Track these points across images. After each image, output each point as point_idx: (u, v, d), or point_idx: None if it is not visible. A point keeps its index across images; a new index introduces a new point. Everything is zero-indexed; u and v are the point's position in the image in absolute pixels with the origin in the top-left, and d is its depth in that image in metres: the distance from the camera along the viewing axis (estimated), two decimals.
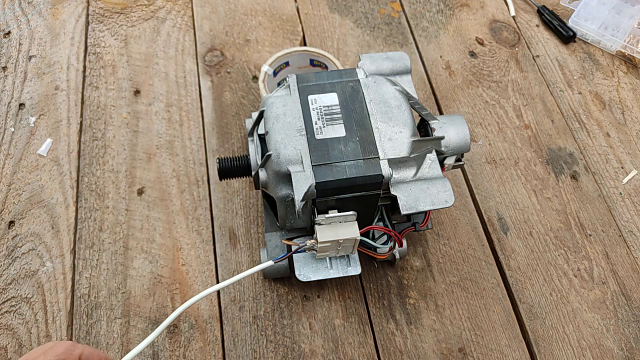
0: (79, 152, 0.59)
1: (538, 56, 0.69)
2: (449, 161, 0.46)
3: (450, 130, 0.45)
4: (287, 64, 0.59)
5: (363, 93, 0.44)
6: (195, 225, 0.55)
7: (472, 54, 0.68)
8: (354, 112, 0.43)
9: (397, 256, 0.49)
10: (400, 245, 0.46)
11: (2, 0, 0.70)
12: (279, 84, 0.58)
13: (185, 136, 0.60)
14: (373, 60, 0.47)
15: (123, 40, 0.67)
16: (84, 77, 0.64)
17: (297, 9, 0.72)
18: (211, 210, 0.56)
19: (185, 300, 0.49)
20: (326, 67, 0.59)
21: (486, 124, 0.63)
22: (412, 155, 0.41)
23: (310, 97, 0.43)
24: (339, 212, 0.42)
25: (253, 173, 0.45)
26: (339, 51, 0.68)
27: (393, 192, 0.41)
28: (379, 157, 0.41)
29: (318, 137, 0.41)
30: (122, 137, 0.60)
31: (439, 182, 0.42)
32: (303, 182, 0.39)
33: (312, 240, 0.42)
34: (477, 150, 0.61)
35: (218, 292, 0.51)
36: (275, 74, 0.59)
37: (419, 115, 0.46)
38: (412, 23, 0.71)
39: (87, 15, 0.69)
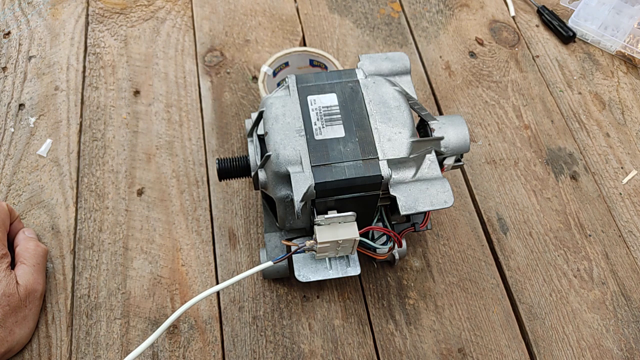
0: (78, 152, 0.59)
1: (538, 56, 0.69)
2: (449, 161, 0.46)
3: (449, 131, 0.45)
4: (286, 64, 0.59)
5: (362, 93, 0.44)
6: (195, 225, 0.55)
7: (472, 54, 0.68)
8: (353, 112, 0.43)
9: (397, 257, 0.49)
10: (400, 245, 0.46)
11: (2, 0, 0.70)
12: (278, 85, 0.58)
13: (185, 137, 0.60)
14: (372, 60, 0.47)
15: (123, 41, 0.68)
16: (84, 77, 0.64)
17: (296, 9, 0.72)
18: (211, 211, 0.56)
19: (185, 301, 0.49)
20: (326, 67, 0.59)
21: (486, 124, 0.63)
22: (411, 156, 0.41)
23: (309, 98, 0.43)
24: (338, 212, 0.42)
25: (252, 174, 0.45)
26: (339, 51, 0.68)
27: (392, 192, 0.41)
28: (378, 158, 0.41)
29: (317, 137, 0.41)
30: (121, 138, 0.60)
31: (439, 183, 0.42)
32: (302, 183, 0.39)
33: (312, 241, 0.42)
34: (476, 150, 0.61)
35: (218, 292, 0.51)
36: (274, 74, 0.59)
37: (419, 116, 0.46)
38: (412, 23, 0.71)
39: (87, 15, 0.69)
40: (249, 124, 0.53)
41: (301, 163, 0.40)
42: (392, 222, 0.47)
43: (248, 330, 0.50)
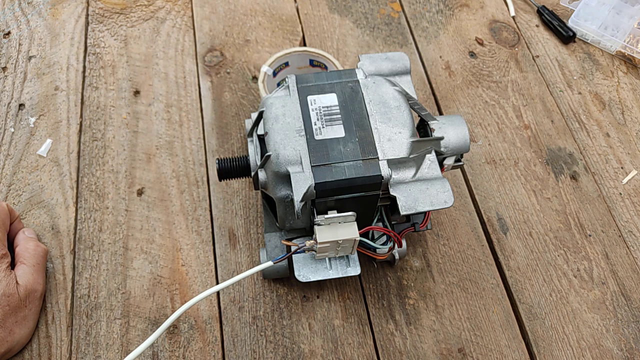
0: (78, 152, 0.59)
1: (538, 56, 0.69)
2: (449, 161, 0.46)
3: (449, 131, 0.45)
4: (286, 64, 0.59)
5: (362, 93, 0.44)
6: (195, 225, 0.55)
7: (472, 54, 0.68)
8: (353, 112, 0.43)
9: (397, 257, 0.49)
10: (400, 245, 0.46)
11: (2, 0, 0.70)
12: (278, 85, 0.58)
13: (185, 137, 0.60)
14: (372, 60, 0.47)
15: (123, 41, 0.68)
16: (84, 77, 0.64)
17: (296, 9, 0.72)
18: (211, 211, 0.56)
19: (185, 301, 0.49)
20: (326, 67, 0.59)
21: (486, 124, 0.63)
22: (411, 156, 0.41)
23: (309, 98, 0.43)
24: (338, 212, 0.42)
25: (252, 174, 0.45)
26: (339, 51, 0.68)
27: (392, 192, 0.41)
28: (378, 158, 0.41)
29: (317, 137, 0.41)
30: (121, 138, 0.60)
31: (439, 183, 0.42)
32: (302, 183, 0.39)
33: (312, 241, 0.42)
34: (476, 150, 0.61)
35: (218, 292, 0.51)
36: (274, 74, 0.59)
37: (419, 116, 0.46)
38: (412, 23, 0.71)
39: (87, 15, 0.69)
40: (249, 124, 0.53)
41: (301, 163, 0.40)
42: (392, 222, 0.47)
43: (248, 330, 0.50)
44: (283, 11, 0.71)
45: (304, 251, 0.43)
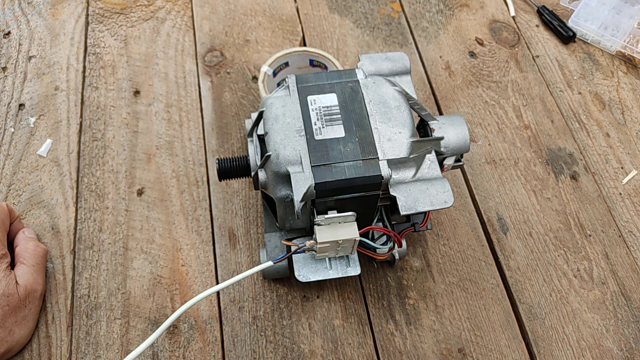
0: (78, 152, 0.59)
1: (538, 56, 0.69)
2: (449, 162, 0.46)
3: (449, 131, 0.45)
4: (286, 64, 0.59)
5: (362, 94, 0.44)
6: (195, 225, 0.55)
7: (472, 54, 0.68)
8: (353, 112, 0.43)
9: (397, 257, 0.49)
10: (400, 245, 0.46)
11: (2, 0, 0.70)
12: (278, 85, 0.58)
13: (185, 137, 0.60)
14: (372, 60, 0.47)
15: (123, 41, 0.68)
16: (84, 77, 0.64)
17: (296, 9, 0.72)
18: (211, 211, 0.56)
19: (185, 301, 0.49)
20: (326, 67, 0.59)
21: (486, 124, 0.63)
22: (411, 156, 0.41)
23: (309, 98, 0.43)
24: (338, 212, 0.42)
25: (252, 174, 0.45)
26: (339, 51, 0.68)
27: (392, 192, 0.41)
28: (378, 158, 0.41)
29: (317, 137, 0.41)
30: (121, 138, 0.60)
31: (439, 183, 0.42)
32: (302, 183, 0.39)
33: (312, 241, 0.42)
34: (476, 150, 0.61)
35: (218, 292, 0.51)
36: (274, 74, 0.59)
37: (419, 116, 0.46)
38: (412, 23, 0.71)
39: (87, 15, 0.69)
40: (249, 124, 0.53)
41: (301, 163, 0.40)
42: (392, 222, 0.47)
43: (248, 330, 0.50)
44: (283, 11, 0.71)
45: (304, 251, 0.43)
